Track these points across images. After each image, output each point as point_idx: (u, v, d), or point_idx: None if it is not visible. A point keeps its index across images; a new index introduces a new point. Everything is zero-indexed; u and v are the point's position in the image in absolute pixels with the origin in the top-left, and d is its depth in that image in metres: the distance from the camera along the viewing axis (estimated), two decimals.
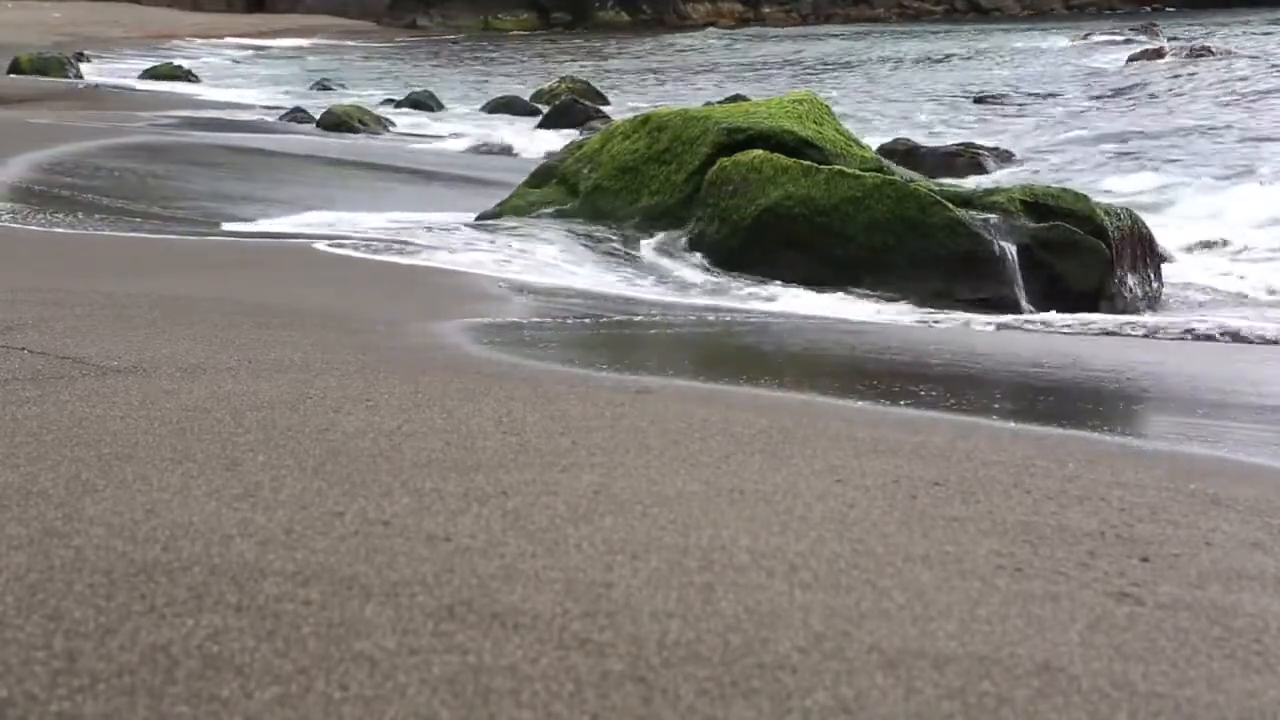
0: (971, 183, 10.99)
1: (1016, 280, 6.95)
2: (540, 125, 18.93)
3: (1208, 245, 9.39)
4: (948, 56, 35.66)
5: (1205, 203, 11.50)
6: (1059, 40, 39.88)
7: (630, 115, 9.53)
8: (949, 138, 16.38)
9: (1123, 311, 7.08)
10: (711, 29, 61.90)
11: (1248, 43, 33.04)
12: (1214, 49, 29.59)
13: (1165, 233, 8.84)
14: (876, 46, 42.76)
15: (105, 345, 3.79)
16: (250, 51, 47.16)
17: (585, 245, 7.64)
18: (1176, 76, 25.14)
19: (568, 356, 4.56)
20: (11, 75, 25.18)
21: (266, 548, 2.16)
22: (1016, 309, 6.87)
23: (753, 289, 7.05)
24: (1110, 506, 2.71)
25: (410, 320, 4.85)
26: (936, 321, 6.35)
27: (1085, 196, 7.44)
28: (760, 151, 7.51)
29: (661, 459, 2.84)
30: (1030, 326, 6.30)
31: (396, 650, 1.81)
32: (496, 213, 8.53)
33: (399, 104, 21.83)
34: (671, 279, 7.19)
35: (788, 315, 6.34)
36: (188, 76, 28.14)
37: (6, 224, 7.26)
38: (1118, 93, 23.00)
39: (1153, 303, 7.38)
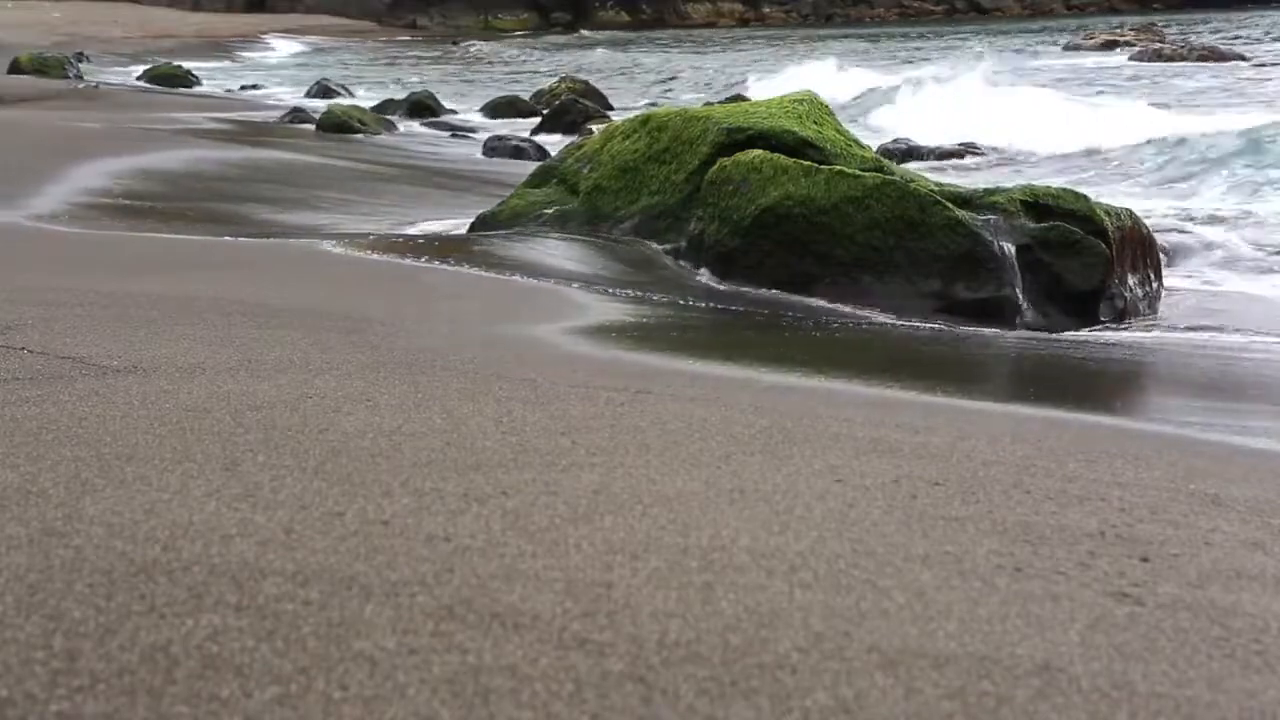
0: (972, 181, 10.99)
1: (1016, 281, 6.94)
2: (540, 125, 18.90)
3: (1210, 245, 9.39)
4: (947, 56, 35.66)
5: (1206, 201, 11.51)
6: (1060, 39, 39.88)
7: (630, 115, 9.52)
8: (948, 137, 16.36)
9: (1123, 312, 7.07)
10: (711, 29, 62.00)
11: (1250, 43, 33.02)
12: (1217, 48, 29.60)
13: (1166, 234, 8.84)
14: (876, 45, 42.74)
15: (105, 345, 3.79)
16: (250, 52, 47.18)
17: (583, 244, 7.63)
18: (1178, 76, 25.14)
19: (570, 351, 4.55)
20: (12, 75, 25.18)
21: (266, 548, 2.16)
22: (1016, 309, 6.86)
23: (754, 286, 7.05)
24: (1110, 506, 2.71)
25: (407, 321, 4.85)
26: None
27: (1085, 196, 7.41)
28: (760, 151, 7.50)
29: (661, 459, 2.84)
30: None
31: (396, 650, 1.81)
32: (496, 213, 8.52)
33: (399, 105, 21.79)
34: (667, 276, 7.18)
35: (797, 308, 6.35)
36: (187, 78, 28.16)
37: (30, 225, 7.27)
38: (1119, 93, 23.00)
39: (1153, 303, 7.36)
